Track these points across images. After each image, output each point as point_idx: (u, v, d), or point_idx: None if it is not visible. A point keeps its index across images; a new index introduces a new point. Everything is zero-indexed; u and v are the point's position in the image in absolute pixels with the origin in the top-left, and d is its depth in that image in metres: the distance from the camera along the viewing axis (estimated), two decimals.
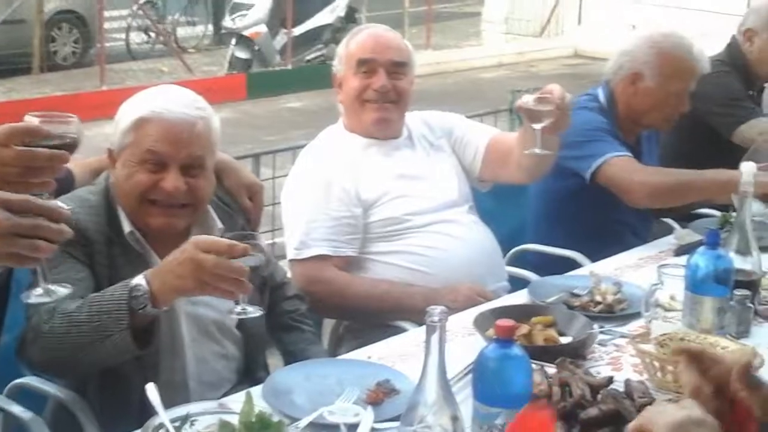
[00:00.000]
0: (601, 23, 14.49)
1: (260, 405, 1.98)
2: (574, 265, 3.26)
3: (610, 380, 2.09)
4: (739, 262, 2.55)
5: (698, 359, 1.48)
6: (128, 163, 2.38)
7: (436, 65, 13.43)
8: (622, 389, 2.07)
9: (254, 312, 2.14)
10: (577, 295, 2.77)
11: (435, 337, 1.72)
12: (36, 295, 1.77)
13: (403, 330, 2.76)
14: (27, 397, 2.37)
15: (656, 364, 2.21)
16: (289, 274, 2.95)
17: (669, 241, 3.35)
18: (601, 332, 2.53)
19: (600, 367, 2.32)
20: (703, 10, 12.68)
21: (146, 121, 2.37)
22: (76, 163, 2.58)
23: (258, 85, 11.79)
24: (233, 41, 12.41)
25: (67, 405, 2.32)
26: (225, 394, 2.36)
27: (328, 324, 3.13)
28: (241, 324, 2.52)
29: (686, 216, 3.66)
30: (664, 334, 2.28)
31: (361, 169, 3.09)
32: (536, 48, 15.46)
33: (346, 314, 3.06)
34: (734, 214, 2.76)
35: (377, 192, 3.06)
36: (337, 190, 3.03)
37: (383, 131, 3.16)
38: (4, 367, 2.42)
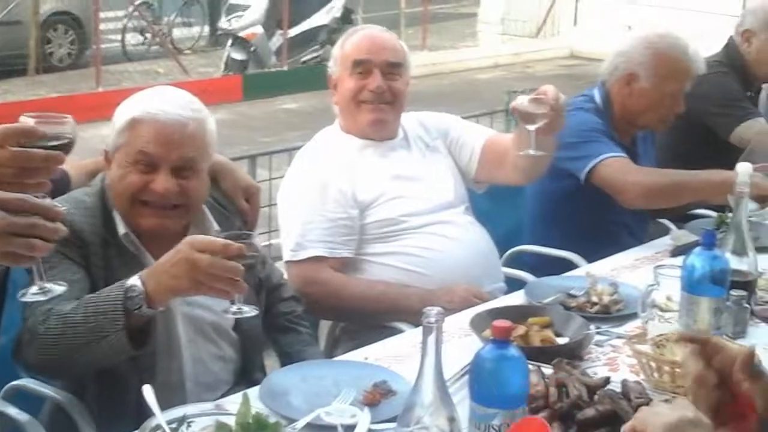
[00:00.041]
0: (597, 24, 14.51)
1: (257, 406, 1.98)
2: (571, 266, 3.26)
3: (607, 381, 2.09)
4: (735, 263, 2.55)
5: (704, 347, 1.48)
6: (121, 163, 2.38)
7: (432, 66, 13.43)
8: (618, 390, 2.07)
9: (250, 311, 2.13)
10: (574, 296, 2.77)
11: (432, 338, 1.72)
12: (32, 294, 1.77)
13: (399, 331, 2.76)
14: (23, 399, 2.37)
15: (653, 364, 2.21)
16: (285, 276, 2.95)
17: (665, 242, 3.35)
18: (598, 333, 2.53)
19: (597, 368, 2.33)
20: (698, 11, 12.70)
21: (139, 121, 2.37)
22: (72, 165, 2.58)
23: (254, 87, 11.79)
24: (229, 42, 12.40)
25: (63, 407, 2.31)
26: (222, 396, 2.35)
27: (325, 325, 3.13)
28: (238, 326, 2.52)
29: (682, 217, 3.66)
30: (661, 335, 2.28)
31: (357, 171, 3.09)
32: (532, 49, 15.47)
33: (342, 315, 3.06)
34: (730, 214, 2.76)
35: (373, 193, 3.06)
36: (333, 191, 3.03)
37: (379, 132, 3.16)
38: (1, 369, 2.42)
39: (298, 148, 3.31)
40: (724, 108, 4.07)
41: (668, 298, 2.58)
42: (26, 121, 1.68)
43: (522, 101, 2.75)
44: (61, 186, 2.43)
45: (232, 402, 2.04)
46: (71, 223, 2.23)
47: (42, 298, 1.79)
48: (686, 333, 1.57)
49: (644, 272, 2.95)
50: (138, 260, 2.35)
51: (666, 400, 1.80)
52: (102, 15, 11.89)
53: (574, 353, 2.36)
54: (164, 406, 1.97)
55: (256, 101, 11.49)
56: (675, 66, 3.46)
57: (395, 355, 2.42)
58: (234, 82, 11.81)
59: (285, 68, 12.61)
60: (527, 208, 3.67)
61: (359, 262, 3.04)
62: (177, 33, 14.18)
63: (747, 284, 2.58)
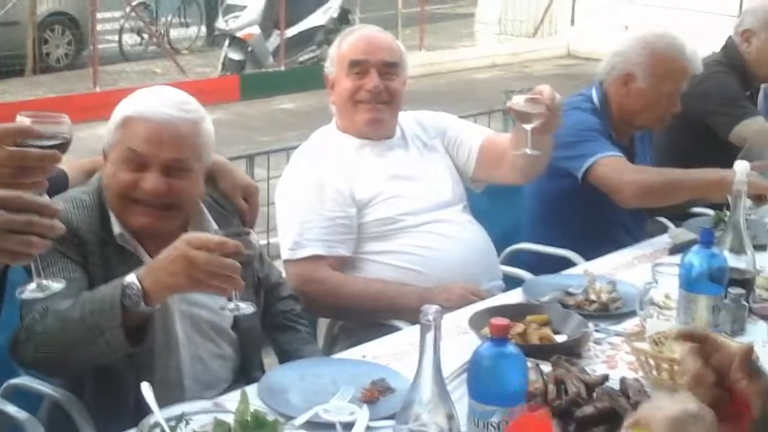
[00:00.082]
0: (594, 24, 14.52)
1: (255, 404, 1.98)
2: (569, 264, 3.27)
3: (606, 378, 2.10)
4: (733, 261, 2.56)
5: (703, 345, 1.47)
6: (114, 161, 2.38)
7: (430, 66, 13.43)
8: (617, 387, 2.08)
9: (247, 308, 2.14)
10: (572, 294, 2.78)
11: (430, 336, 1.72)
12: (30, 291, 1.78)
13: (397, 329, 2.76)
14: (22, 397, 2.37)
15: (651, 361, 2.22)
16: (283, 275, 2.95)
17: (663, 240, 3.36)
18: (596, 331, 2.53)
19: (595, 366, 2.33)
20: (696, 11, 12.70)
21: (131, 120, 2.37)
22: (69, 165, 2.58)
23: (251, 87, 11.79)
24: (226, 42, 12.40)
25: (62, 405, 2.31)
26: (221, 394, 2.35)
27: (323, 323, 3.13)
28: (237, 324, 2.52)
29: (680, 215, 3.66)
30: (659, 332, 2.28)
31: (355, 170, 3.09)
32: (529, 48, 15.47)
33: (340, 314, 3.06)
34: (728, 212, 2.77)
35: (371, 192, 3.06)
36: (330, 190, 3.03)
37: (376, 132, 3.16)
38: None
39: (296, 147, 3.31)
40: (724, 107, 4.07)
41: (666, 296, 2.58)
42: (22, 120, 1.68)
43: (518, 101, 2.75)
44: (58, 185, 2.44)
45: (231, 400, 2.04)
46: (68, 222, 2.23)
47: (40, 295, 1.79)
48: (685, 330, 1.56)
49: (642, 270, 2.95)
50: (136, 258, 2.35)
51: (668, 395, 1.80)
52: (99, 15, 11.87)
53: (572, 351, 2.37)
54: (162, 403, 1.98)
55: (254, 101, 11.49)
56: (672, 66, 3.46)
57: (393, 352, 2.42)
58: (231, 82, 11.81)
59: (282, 68, 12.60)
60: (525, 207, 3.67)
61: (357, 261, 3.05)
62: (174, 33, 14.18)
63: (745, 282, 2.59)
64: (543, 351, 2.29)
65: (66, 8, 12.60)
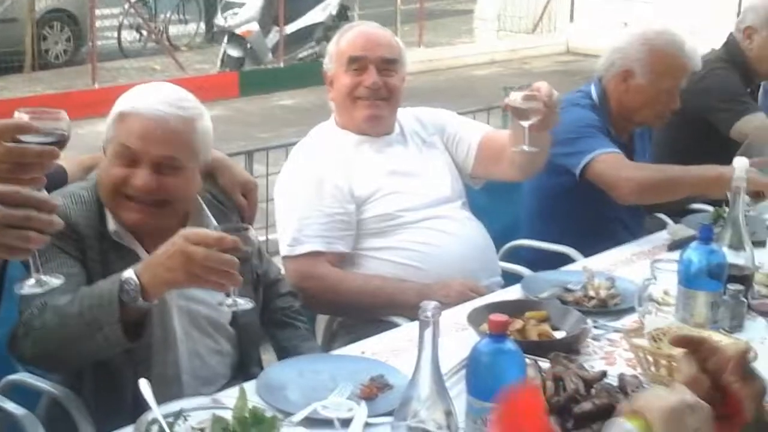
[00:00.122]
0: (594, 20, 14.52)
1: (254, 400, 1.98)
2: (568, 260, 3.27)
3: (604, 374, 2.09)
4: (732, 257, 2.56)
5: (698, 349, 1.47)
6: (109, 156, 2.38)
7: (429, 62, 13.44)
8: (615, 383, 2.07)
9: (245, 304, 2.14)
10: (571, 290, 2.78)
11: (428, 332, 1.72)
12: (28, 286, 1.78)
13: (396, 325, 2.76)
14: (20, 393, 2.37)
15: (650, 358, 2.22)
16: (282, 271, 2.95)
17: (662, 237, 3.36)
18: (595, 327, 2.53)
19: (594, 362, 2.33)
20: (694, 7, 12.70)
21: (125, 115, 2.37)
22: (68, 160, 2.58)
23: (250, 83, 11.79)
24: (225, 39, 12.40)
25: (60, 401, 2.31)
26: (219, 390, 2.35)
27: (322, 320, 3.13)
28: (235, 320, 2.52)
29: (679, 211, 3.66)
30: (658, 329, 2.28)
31: (354, 166, 3.09)
32: (529, 45, 15.47)
33: (339, 310, 3.06)
34: (727, 209, 2.77)
35: (370, 188, 3.06)
36: (329, 186, 3.03)
37: (375, 128, 3.16)
38: None
39: (295, 143, 3.31)
40: (725, 103, 4.07)
41: (665, 293, 2.58)
42: (20, 116, 1.68)
43: (515, 98, 2.75)
44: (57, 181, 2.44)
45: (229, 396, 2.04)
46: (67, 217, 2.23)
47: (39, 290, 1.79)
48: (679, 336, 1.56)
49: (641, 266, 2.95)
50: (134, 254, 2.35)
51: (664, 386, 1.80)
52: (98, 12, 11.87)
53: (571, 347, 2.37)
54: (161, 399, 1.98)
55: (253, 98, 11.49)
56: (671, 63, 3.46)
57: (392, 349, 2.42)
58: (230, 79, 11.80)
59: (281, 65, 12.60)
60: (524, 204, 3.67)
61: (356, 257, 3.04)
62: (173, 30, 14.18)
63: (744, 278, 2.59)
64: (542, 347, 2.29)
65: (65, 5, 12.60)
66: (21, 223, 1.59)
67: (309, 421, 2.00)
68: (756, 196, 3.20)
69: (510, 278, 3.14)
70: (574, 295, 2.74)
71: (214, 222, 2.48)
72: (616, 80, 3.53)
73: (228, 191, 2.66)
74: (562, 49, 15.69)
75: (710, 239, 2.45)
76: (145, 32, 13.54)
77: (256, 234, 2.27)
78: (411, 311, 2.43)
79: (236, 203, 2.66)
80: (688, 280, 2.44)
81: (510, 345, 1.82)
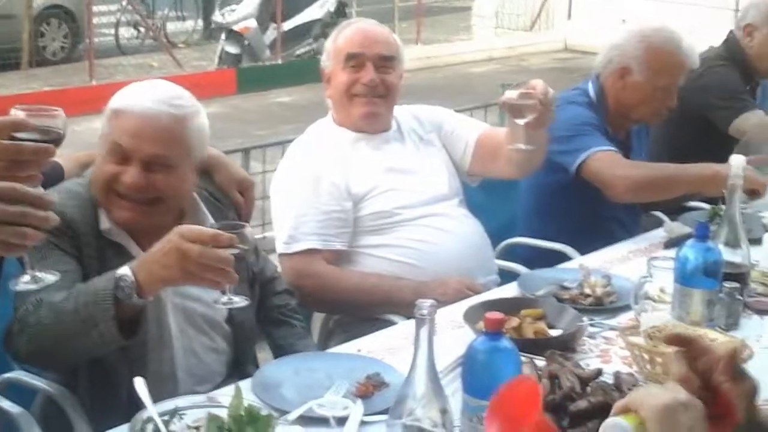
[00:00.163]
0: (591, 17, 14.50)
1: (249, 398, 1.98)
2: (564, 258, 3.27)
3: (600, 372, 2.10)
4: (728, 255, 2.56)
5: (689, 348, 1.47)
6: (103, 153, 2.38)
7: (426, 60, 13.43)
8: (611, 381, 2.08)
9: (240, 302, 2.13)
10: (567, 288, 2.78)
11: (424, 330, 1.72)
12: (23, 283, 1.77)
13: (392, 323, 2.76)
14: (16, 391, 2.37)
15: (645, 356, 2.22)
16: (279, 269, 2.94)
17: (659, 234, 3.36)
18: (591, 325, 2.53)
19: (589, 360, 2.33)
20: (693, 4, 12.70)
21: (118, 112, 2.36)
22: (65, 157, 2.58)
23: (248, 80, 11.78)
24: (223, 36, 12.38)
25: (55, 399, 2.31)
26: (215, 388, 2.35)
27: (318, 318, 3.13)
28: (231, 318, 2.52)
29: (676, 209, 3.66)
30: (654, 327, 2.28)
31: (351, 163, 3.09)
32: (526, 42, 15.45)
33: (335, 308, 3.05)
34: (723, 207, 2.77)
35: (367, 186, 3.06)
36: (326, 184, 3.02)
37: (372, 125, 3.16)
38: None
39: (292, 141, 3.30)
40: (724, 100, 4.07)
41: (661, 290, 2.59)
42: (17, 114, 1.67)
43: (511, 95, 2.75)
44: (54, 177, 2.44)
45: (225, 394, 2.04)
46: (63, 214, 2.22)
47: (34, 287, 1.79)
48: (671, 334, 1.56)
49: (637, 264, 2.95)
50: (130, 250, 2.35)
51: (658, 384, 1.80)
52: (95, 9, 11.85)
53: (566, 345, 2.37)
54: (156, 397, 1.97)
55: (250, 95, 11.48)
56: (669, 60, 3.46)
57: (388, 347, 2.42)
58: (228, 76, 11.79)
59: (279, 62, 12.59)
60: (521, 202, 3.67)
61: (353, 255, 3.04)
62: (171, 27, 14.16)
63: (740, 276, 2.59)
64: (537, 345, 2.29)
65: (62, 1, 12.58)
66: (17, 220, 1.59)
67: (304, 419, 2.00)
68: (752, 193, 3.20)
69: (506, 276, 3.14)
70: (570, 292, 2.74)
71: (211, 219, 2.48)
72: (613, 77, 3.53)
73: (225, 189, 2.66)
74: (559, 46, 15.68)
75: (706, 237, 2.45)
76: (142, 29, 13.52)
77: (253, 231, 2.26)
78: (407, 309, 2.43)
79: (233, 201, 2.66)
80: (684, 277, 2.44)
81: (506, 343, 1.83)
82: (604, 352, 2.40)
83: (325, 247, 3.00)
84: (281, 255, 3.03)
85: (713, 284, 2.45)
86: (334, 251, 3.01)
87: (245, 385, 2.08)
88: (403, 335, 2.44)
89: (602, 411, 1.91)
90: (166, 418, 1.92)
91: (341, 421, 1.97)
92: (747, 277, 2.65)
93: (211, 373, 2.49)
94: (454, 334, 2.46)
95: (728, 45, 4.28)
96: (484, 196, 3.44)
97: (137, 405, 1.96)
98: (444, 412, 1.73)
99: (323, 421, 1.98)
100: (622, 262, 3.10)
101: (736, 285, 2.51)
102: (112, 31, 13.29)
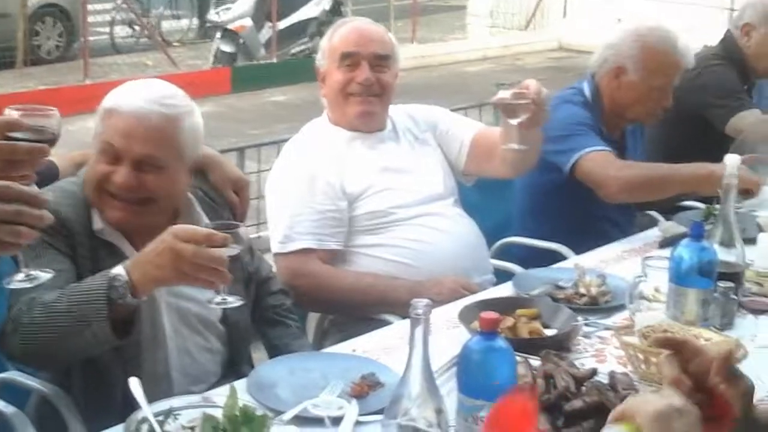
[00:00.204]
0: (586, 16, 14.53)
1: (244, 398, 1.97)
2: (559, 257, 3.27)
3: (595, 372, 2.10)
4: (723, 254, 2.56)
5: (680, 350, 1.48)
6: (95, 153, 2.38)
7: (422, 59, 13.44)
8: (606, 381, 2.07)
9: (234, 302, 2.13)
10: (562, 288, 2.77)
11: (419, 330, 1.72)
12: (18, 281, 1.77)
13: (387, 323, 2.76)
14: (10, 392, 2.36)
15: (640, 355, 2.22)
16: (273, 269, 2.94)
17: (653, 234, 3.36)
18: (586, 324, 2.53)
19: (584, 359, 2.33)
20: (688, 3, 12.72)
21: (110, 112, 2.36)
22: (60, 156, 2.57)
23: (243, 79, 11.78)
24: (218, 35, 12.39)
25: (50, 399, 2.31)
26: (210, 388, 2.35)
27: (313, 318, 3.13)
28: (225, 318, 2.52)
29: (670, 208, 3.66)
30: (648, 326, 2.29)
31: (346, 163, 3.08)
32: (521, 41, 15.48)
33: (330, 308, 3.05)
34: (718, 206, 2.77)
35: (362, 185, 3.06)
36: (321, 183, 3.02)
37: (367, 124, 3.16)
38: None
39: (287, 140, 3.30)
40: (721, 99, 4.07)
41: (656, 290, 2.58)
42: (11, 114, 1.67)
43: (504, 95, 2.75)
44: (48, 177, 2.43)
45: (219, 394, 2.03)
46: (57, 213, 2.21)
47: (28, 285, 1.79)
48: (661, 338, 1.57)
49: (632, 264, 2.95)
50: (124, 250, 2.35)
51: (654, 390, 1.81)
52: (90, 7, 11.86)
53: (561, 345, 2.37)
54: (150, 397, 1.97)
55: (245, 93, 11.48)
56: (664, 60, 3.46)
57: (383, 347, 2.42)
58: (223, 75, 11.80)
59: (274, 60, 12.59)
60: (516, 201, 3.67)
61: (348, 254, 3.04)
62: (166, 25, 14.16)
63: (734, 276, 2.59)
64: (533, 345, 2.29)
65: (57, 0, 12.55)
66: (12, 218, 1.59)
67: (299, 419, 1.99)
68: (745, 193, 3.21)
69: (501, 275, 3.14)
70: (565, 292, 2.74)
71: (205, 219, 2.47)
72: (608, 77, 3.53)
73: (219, 188, 2.66)
74: (554, 45, 15.71)
75: (701, 236, 2.45)
76: (137, 28, 13.52)
77: (248, 231, 2.26)
78: (403, 309, 2.42)
79: (228, 200, 2.66)
80: (679, 277, 2.44)
81: (501, 343, 1.82)
82: (599, 352, 2.40)
83: (320, 246, 2.99)
84: (276, 254, 3.02)
85: (708, 284, 2.45)
86: (329, 251, 3.01)
87: (240, 385, 2.09)
88: (398, 335, 2.44)
89: (597, 411, 1.92)
90: (161, 418, 1.91)
91: (336, 421, 1.97)
92: (741, 276, 2.65)
93: (205, 373, 2.49)
94: (449, 333, 2.46)
95: (725, 44, 4.28)
96: (479, 195, 3.44)
97: (132, 405, 1.95)
98: (439, 411, 1.73)
99: (318, 421, 1.98)
100: (616, 261, 3.10)
101: (730, 284, 2.51)
102: (107, 29, 13.30)
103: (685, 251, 2.44)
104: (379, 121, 3.19)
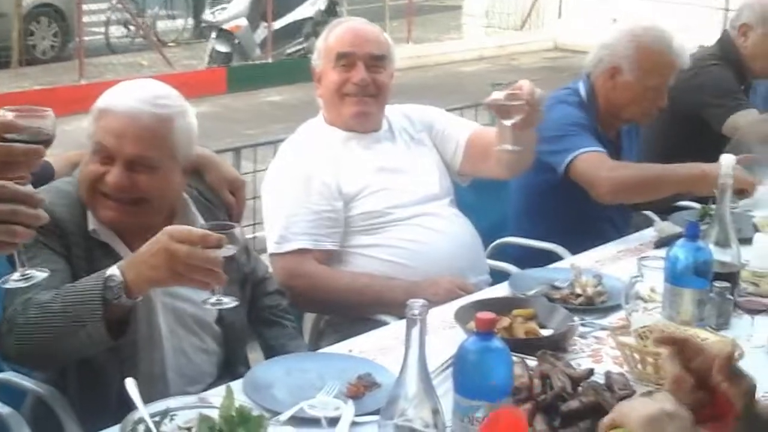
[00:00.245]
0: (582, 16, 14.53)
1: (240, 399, 1.97)
2: (555, 257, 3.27)
3: (591, 372, 2.10)
4: (718, 254, 2.56)
5: (682, 349, 1.48)
6: (89, 153, 2.37)
7: (417, 59, 13.44)
8: (602, 381, 2.08)
9: (229, 303, 2.12)
10: (558, 288, 2.78)
11: (415, 331, 1.72)
12: (13, 281, 1.77)
13: (384, 323, 2.75)
14: (5, 392, 2.36)
15: (636, 356, 2.22)
16: (270, 269, 2.94)
17: (649, 234, 3.36)
18: (582, 325, 2.53)
19: (581, 360, 2.33)
20: (683, 3, 12.73)
21: (102, 112, 2.36)
22: (55, 156, 2.57)
23: (238, 79, 11.77)
24: (213, 35, 12.37)
25: (45, 400, 2.30)
26: (206, 389, 2.35)
27: (309, 318, 3.13)
28: (221, 318, 2.51)
29: (666, 208, 3.66)
30: (644, 326, 2.29)
31: (342, 163, 3.08)
32: (517, 41, 15.49)
33: (326, 308, 3.05)
34: (714, 206, 2.77)
35: (358, 185, 3.06)
36: (317, 183, 3.02)
37: (363, 125, 3.16)
38: None
39: (283, 140, 3.30)
40: (718, 99, 4.08)
41: (652, 290, 2.59)
42: (5, 115, 1.67)
43: (497, 96, 2.75)
44: (44, 177, 2.43)
45: (216, 395, 2.03)
46: (52, 213, 2.20)
47: (23, 284, 1.78)
48: (664, 335, 1.57)
49: (628, 264, 2.95)
50: (118, 251, 2.34)
51: (646, 393, 1.81)
52: (85, 7, 11.83)
53: (558, 345, 2.37)
54: (146, 397, 1.97)
55: (241, 93, 11.47)
56: (659, 60, 3.46)
57: (380, 347, 2.42)
58: (218, 75, 11.79)
59: (269, 61, 12.58)
60: (511, 201, 3.67)
61: (344, 255, 3.04)
62: (161, 25, 14.14)
63: (730, 276, 2.59)
64: (529, 345, 2.28)
65: (52, 0, 12.54)
66: (8, 218, 1.59)
67: (296, 420, 1.99)
68: (740, 193, 3.21)
69: (497, 276, 3.14)
70: (561, 292, 2.74)
71: (201, 219, 2.47)
72: (603, 77, 3.53)
73: (215, 189, 2.65)
74: (550, 45, 15.72)
75: (697, 236, 2.45)
76: (132, 28, 13.50)
77: (243, 232, 2.26)
78: (399, 309, 2.43)
79: (224, 201, 2.66)
80: (675, 277, 2.44)
81: (497, 343, 1.82)
82: (596, 352, 2.40)
83: (316, 246, 2.99)
84: (272, 255, 3.02)
85: (704, 284, 2.45)
86: (325, 251, 3.01)
87: (236, 385, 2.08)
88: (394, 335, 2.44)
89: (594, 411, 1.92)
90: (157, 419, 1.91)
91: (333, 421, 1.97)
92: (737, 276, 2.65)
93: (201, 373, 2.49)
94: (445, 334, 2.45)
95: (722, 45, 4.29)
96: (474, 195, 3.44)
97: (128, 406, 1.95)
98: (435, 412, 1.73)
99: (315, 421, 1.98)
100: (612, 261, 3.10)
101: (726, 285, 2.51)
102: (102, 29, 13.27)
103: (680, 251, 2.44)
104: (374, 122, 3.19)
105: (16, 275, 1.77)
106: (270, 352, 2.64)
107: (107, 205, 2.34)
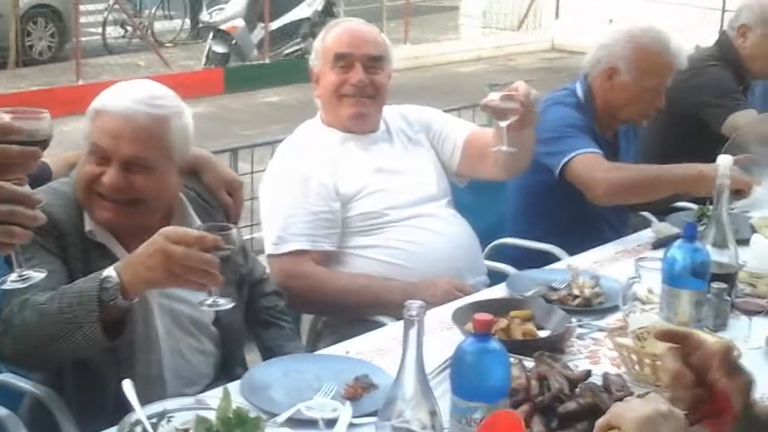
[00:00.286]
0: (579, 17, 14.54)
1: (238, 401, 1.97)
2: (552, 258, 3.27)
3: (588, 374, 2.10)
4: (716, 255, 2.56)
5: (682, 344, 1.48)
6: (86, 153, 2.37)
7: (415, 59, 13.44)
8: (600, 383, 2.08)
9: (226, 304, 2.12)
10: (556, 289, 2.78)
11: (413, 332, 1.71)
12: (11, 281, 1.76)
13: (381, 324, 2.75)
14: (2, 394, 2.36)
15: (634, 357, 2.22)
16: (267, 270, 2.94)
17: (647, 235, 3.36)
18: (579, 326, 2.53)
19: (578, 361, 2.33)
20: (680, 4, 12.74)
21: (98, 113, 2.36)
22: (53, 157, 2.57)
23: (235, 80, 11.76)
24: (210, 35, 12.37)
25: (43, 401, 2.30)
26: (203, 390, 2.34)
27: (307, 319, 3.13)
28: (218, 320, 2.51)
29: (664, 209, 3.66)
30: (642, 327, 2.28)
31: (339, 164, 3.08)
32: (514, 42, 15.49)
33: (324, 309, 3.05)
34: (711, 207, 2.77)
35: (355, 186, 3.06)
36: (315, 184, 3.02)
37: (360, 126, 3.16)
38: None
39: (280, 141, 3.30)
40: (717, 99, 4.08)
41: (649, 291, 2.58)
42: (1, 116, 1.66)
43: (493, 98, 2.75)
44: (42, 178, 2.43)
45: (213, 396, 2.03)
46: (49, 214, 2.20)
47: (21, 285, 1.78)
48: (664, 330, 1.56)
49: (625, 265, 2.95)
50: (115, 252, 2.34)
51: (640, 395, 1.81)
52: (82, 8, 11.82)
53: (555, 346, 2.36)
54: (143, 399, 1.96)
55: (238, 94, 11.46)
56: (656, 61, 3.46)
57: (377, 348, 2.42)
58: (215, 75, 11.78)
59: (267, 61, 12.57)
60: (509, 202, 3.67)
61: (341, 256, 3.04)
62: (158, 26, 14.14)
63: (728, 277, 2.58)
64: (526, 346, 2.28)
65: (49, 0, 12.54)
66: (5, 219, 1.59)
67: (293, 421, 1.99)
68: (737, 193, 3.21)
69: (495, 277, 3.14)
70: (558, 293, 2.74)
71: (198, 220, 2.46)
72: (601, 77, 3.53)
73: (213, 189, 2.65)
74: (547, 46, 15.72)
75: (694, 237, 2.45)
76: (129, 28, 13.50)
77: (241, 233, 2.25)
78: (396, 310, 2.41)
79: (221, 201, 2.65)
80: (672, 278, 2.44)
81: (494, 344, 1.82)
82: (593, 353, 2.40)
83: (314, 247, 2.99)
84: (270, 256, 3.02)
85: (701, 285, 2.45)
86: (322, 252, 3.01)
87: (234, 387, 2.08)
88: (391, 336, 2.43)
89: (591, 412, 1.92)
90: (154, 420, 1.91)
91: (330, 423, 1.97)
92: (735, 277, 2.65)
93: (198, 375, 2.48)
94: (443, 335, 2.45)
95: (720, 45, 4.29)
96: (472, 196, 3.44)
97: (125, 407, 1.95)
98: (433, 413, 1.73)
99: (312, 423, 1.98)
100: (610, 262, 3.10)
101: (723, 286, 2.51)
102: (99, 30, 13.27)
103: (678, 252, 2.44)
104: (372, 123, 3.19)
105: (13, 276, 1.77)
106: (267, 354, 2.64)
107: (103, 206, 2.34)
